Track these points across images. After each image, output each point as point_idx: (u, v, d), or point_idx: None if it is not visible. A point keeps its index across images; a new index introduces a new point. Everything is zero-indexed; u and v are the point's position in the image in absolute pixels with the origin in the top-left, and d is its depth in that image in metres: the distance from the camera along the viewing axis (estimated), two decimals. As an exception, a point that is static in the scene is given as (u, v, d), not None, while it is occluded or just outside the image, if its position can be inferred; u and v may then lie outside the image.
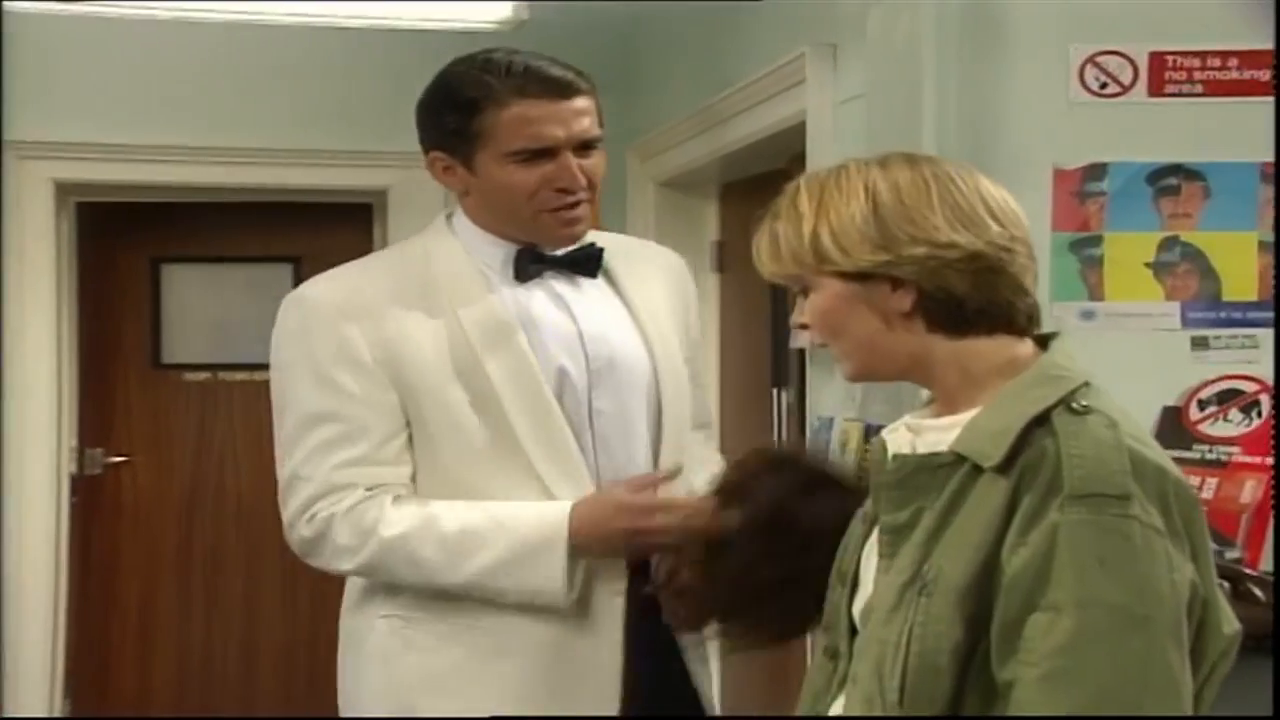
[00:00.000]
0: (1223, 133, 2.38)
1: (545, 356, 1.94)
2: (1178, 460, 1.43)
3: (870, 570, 1.47)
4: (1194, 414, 2.33)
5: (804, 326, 1.48)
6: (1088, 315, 2.37)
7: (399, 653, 1.95)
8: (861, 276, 1.41)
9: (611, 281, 2.04)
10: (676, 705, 2.03)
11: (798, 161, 3.21)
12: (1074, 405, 1.36)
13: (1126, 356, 2.31)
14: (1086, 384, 1.40)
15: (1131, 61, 2.39)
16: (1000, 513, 1.33)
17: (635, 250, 2.14)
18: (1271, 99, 2.35)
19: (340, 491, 1.91)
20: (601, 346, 1.98)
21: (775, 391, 3.74)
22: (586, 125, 1.92)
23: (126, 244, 4.98)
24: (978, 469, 1.36)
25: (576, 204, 1.94)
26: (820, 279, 1.44)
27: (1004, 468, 1.34)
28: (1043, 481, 1.31)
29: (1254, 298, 2.38)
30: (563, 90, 1.90)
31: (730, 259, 4.12)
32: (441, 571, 1.89)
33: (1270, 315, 2.36)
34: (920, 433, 1.46)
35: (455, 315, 1.92)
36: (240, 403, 4.99)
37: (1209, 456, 2.26)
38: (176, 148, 4.28)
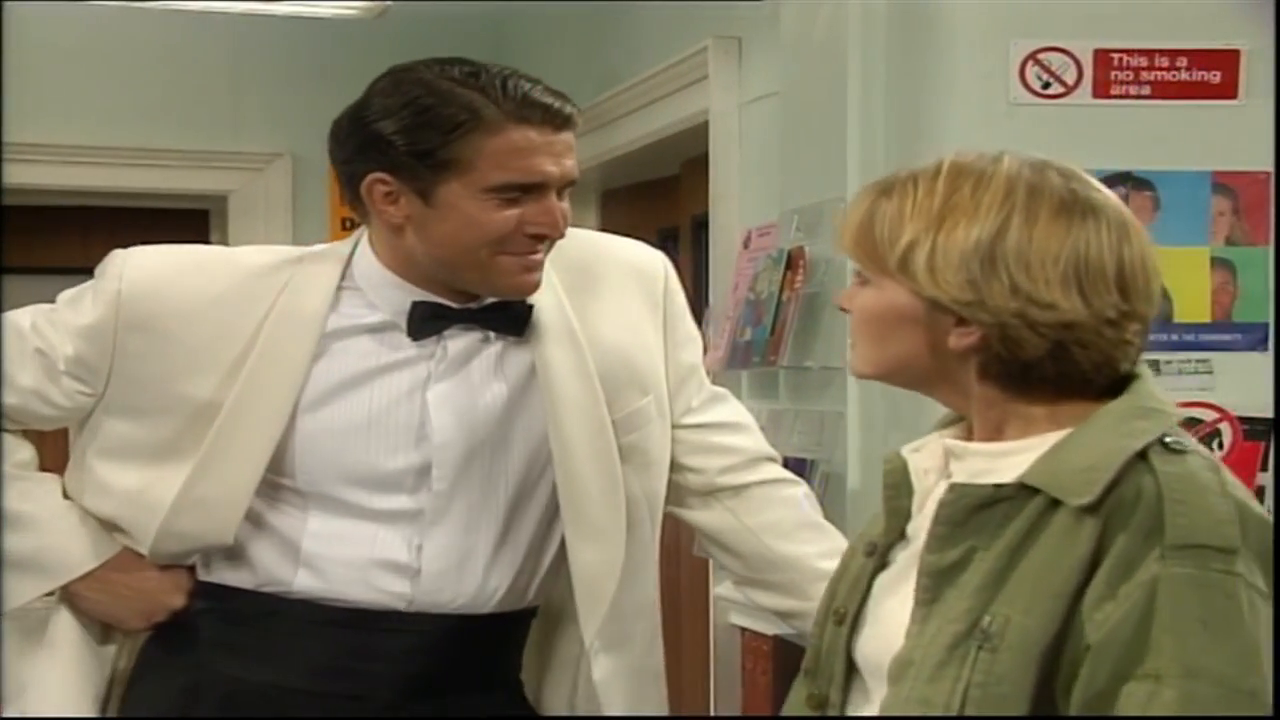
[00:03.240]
0: (1172, 139, 2.26)
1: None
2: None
3: (885, 611, 1.34)
4: (1146, 445, 2.17)
5: (844, 310, 1.37)
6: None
7: None
8: (933, 302, 1.28)
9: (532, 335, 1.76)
10: None
11: (692, 166, 2.99)
12: (1170, 442, 1.25)
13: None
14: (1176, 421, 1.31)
15: (1075, 60, 2.26)
16: (1086, 558, 1.22)
17: (590, 267, 1.83)
18: (1222, 102, 2.23)
19: None
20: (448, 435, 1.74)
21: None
22: (572, 165, 1.70)
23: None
24: (1052, 505, 1.25)
25: (540, 250, 1.70)
26: (887, 282, 1.31)
27: (1093, 506, 1.23)
28: (1139, 525, 1.21)
29: (1207, 319, 2.25)
30: (559, 121, 1.67)
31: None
32: None
33: (1225, 338, 2.24)
34: (962, 457, 1.33)
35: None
36: (50, 438, 4.55)
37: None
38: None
